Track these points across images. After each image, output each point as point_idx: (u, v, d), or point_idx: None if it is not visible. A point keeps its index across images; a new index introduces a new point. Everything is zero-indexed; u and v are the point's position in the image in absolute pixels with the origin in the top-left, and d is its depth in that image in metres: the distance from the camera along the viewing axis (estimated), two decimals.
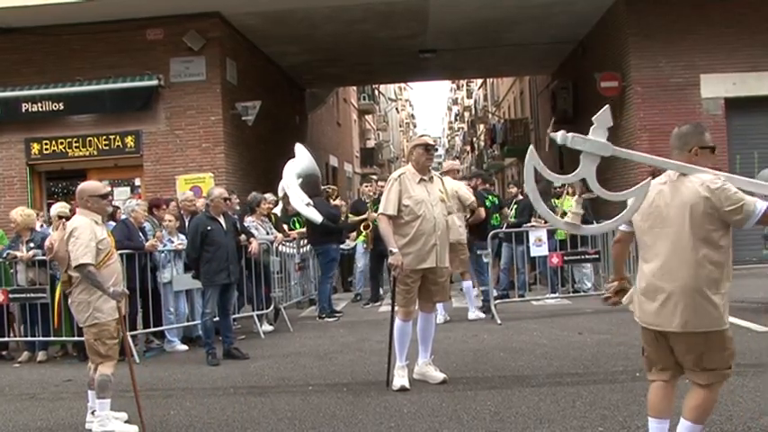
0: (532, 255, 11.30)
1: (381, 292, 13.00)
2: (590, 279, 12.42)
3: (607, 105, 4.31)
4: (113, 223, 9.43)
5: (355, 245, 13.63)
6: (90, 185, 6.16)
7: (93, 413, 5.87)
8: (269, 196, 11.57)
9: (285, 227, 12.30)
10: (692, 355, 4.03)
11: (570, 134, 4.09)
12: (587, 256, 11.47)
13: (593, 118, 4.16)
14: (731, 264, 4.03)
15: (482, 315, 10.45)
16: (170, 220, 9.76)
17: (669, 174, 4.13)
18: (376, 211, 11.64)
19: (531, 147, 4.17)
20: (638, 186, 4.03)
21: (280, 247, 11.25)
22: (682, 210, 3.97)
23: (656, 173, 10.64)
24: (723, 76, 14.38)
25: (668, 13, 14.37)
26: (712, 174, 3.99)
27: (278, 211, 12.76)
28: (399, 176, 6.79)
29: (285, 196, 12.23)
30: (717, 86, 14.38)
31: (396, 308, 6.83)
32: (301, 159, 12.41)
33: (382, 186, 12.77)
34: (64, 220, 7.87)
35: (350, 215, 13.40)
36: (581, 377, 6.79)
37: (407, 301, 6.75)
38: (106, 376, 5.72)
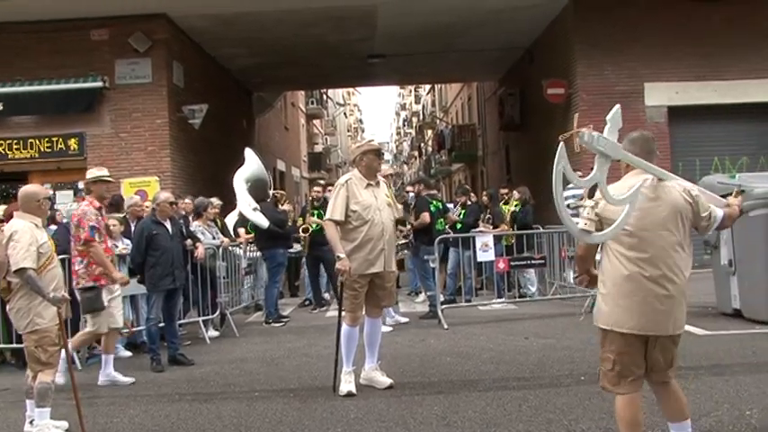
0: (479, 260, 11.40)
1: (328, 296, 12.98)
2: (533, 284, 12.55)
3: (618, 105, 4.28)
4: (54, 227, 9.22)
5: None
6: (30, 189, 6.04)
7: (31, 423, 5.73)
8: (215, 200, 11.44)
9: (242, 231, 12.20)
10: (670, 355, 4.16)
11: (596, 133, 4.04)
12: (533, 261, 11.59)
13: (607, 118, 4.15)
14: None
15: (402, 320, 10.44)
16: (114, 225, 9.58)
17: (645, 178, 4.13)
18: (317, 216, 11.66)
19: (562, 145, 3.94)
20: (631, 191, 3.97)
21: (235, 250, 11.16)
22: (674, 214, 4.08)
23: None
24: (666, 84, 14.67)
25: (614, 23, 14.62)
26: (684, 181, 4.22)
27: (234, 215, 12.64)
28: (346, 182, 6.77)
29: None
30: (660, 95, 14.67)
31: (343, 313, 6.81)
32: (250, 164, 12.34)
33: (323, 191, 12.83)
34: (2, 224, 7.67)
35: (298, 219, 13.33)
36: (527, 381, 6.85)
37: (355, 307, 6.74)
38: (47, 384, 5.58)
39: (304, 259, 13.58)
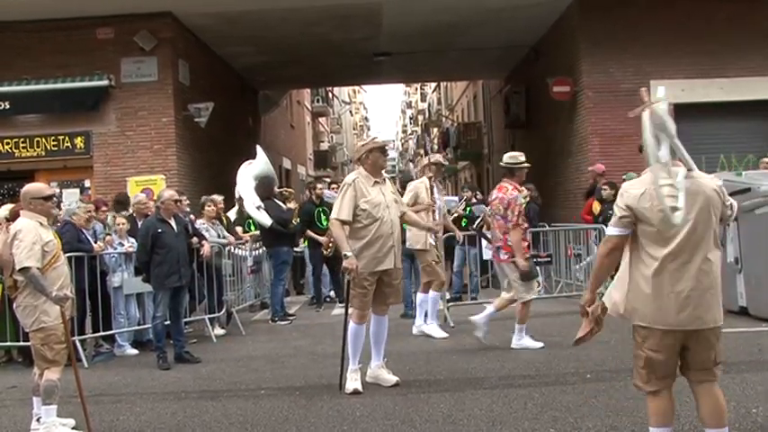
0: (485, 258, 11.38)
1: (333, 294, 13.03)
2: (539, 282, 12.54)
3: (662, 88, 4.33)
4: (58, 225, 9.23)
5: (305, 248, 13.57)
6: (33, 187, 6.03)
7: (38, 420, 5.74)
8: (216, 197, 11.39)
9: (240, 229, 12.21)
10: (712, 351, 4.08)
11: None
12: (539, 260, 11.57)
13: (659, 96, 4.22)
14: None
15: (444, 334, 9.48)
16: (122, 223, 9.61)
17: (685, 168, 4.09)
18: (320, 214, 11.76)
19: (647, 114, 3.99)
20: (680, 179, 3.94)
21: (237, 250, 11.16)
22: (708, 205, 4.03)
23: (596, 178, 10.71)
24: (672, 82, 14.59)
25: (620, 20, 14.58)
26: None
27: (233, 213, 12.65)
28: (353, 181, 6.75)
29: (241, 198, 12.14)
30: (666, 92, 14.59)
31: (350, 311, 6.81)
32: (259, 162, 12.33)
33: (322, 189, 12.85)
34: (8, 222, 7.69)
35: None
36: (533, 379, 6.85)
37: (364, 305, 6.74)
38: (53, 382, 5.60)
39: (308, 258, 13.61)
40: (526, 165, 8.41)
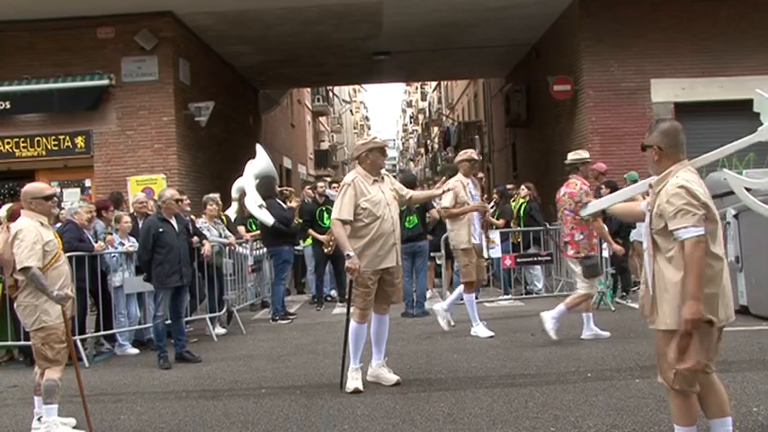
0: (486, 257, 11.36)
1: (335, 293, 13.02)
2: (540, 280, 12.56)
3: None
4: (59, 225, 9.22)
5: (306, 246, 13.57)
6: (33, 187, 6.01)
7: (39, 419, 5.74)
8: (214, 196, 11.38)
9: (242, 228, 12.21)
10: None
11: None
12: (540, 258, 11.59)
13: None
14: None
15: (490, 333, 9.16)
16: (126, 222, 9.60)
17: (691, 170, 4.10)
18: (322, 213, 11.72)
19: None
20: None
21: (239, 249, 11.16)
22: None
23: (598, 177, 10.82)
24: (673, 81, 14.63)
25: (620, 19, 14.60)
26: None
27: (232, 212, 12.65)
28: (353, 181, 6.73)
29: (242, 197, 12.13)
30: (667, 91, 14.64)
31: (351, 310, 6.81)
32: (260, 160, 12.32)
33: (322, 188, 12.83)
34: (8, 222, 7.68)
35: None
36: (533, 378, 6.85)
37: (366, 304, 6.73)
38: (53, 381, 5.59)
39: (308, 257, 13.59)
40: (589, 159, 8.91)
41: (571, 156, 8.82)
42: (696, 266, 3.83)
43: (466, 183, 9.14)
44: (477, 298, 11.51)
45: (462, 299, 9.26)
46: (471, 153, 9.60)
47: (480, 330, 9.13)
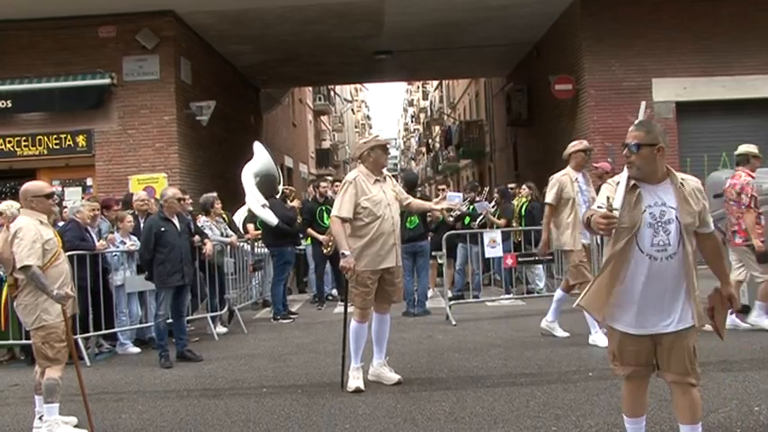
0: (487, 256, 11.37)
1: (336, 292, 13.00)
2: (542, 279, 12.56)
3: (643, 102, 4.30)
4: (62, 223, 9.23)
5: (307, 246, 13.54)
6: (33, 185, 6.00)
7: (40, 418, 5.74)
8: (214, 195, 11.37)
9: (251, 227, 12.18)
10: None
11: None
12: (541, 257, 11.56)
13: None
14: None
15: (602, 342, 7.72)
16: (129, 221, 9.60)
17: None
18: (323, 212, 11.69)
19: None
20: None
21: (244, 246, 11.15)
22: None
23: (602, 176, 10.51)
24: (674, 80, 14.64)
25: (621, 18, 14.60)
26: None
27: (244, 210, 12.61)
28: (354, 179, 6.72)
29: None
30: (668, 91, 14.64)
31: (351, 309, 6.80)
32: (259, 158, 12.28)
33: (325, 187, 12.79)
34: (7, 221, 7.68)
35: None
36: (535, 377, 6.84)
37: (366, 303, 6.72)
38: (54, 380, 5.59)
39: (309, 256, 13.58)
40: (758, 154, 8.82)
41: (741, 148, 8.85)
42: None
43: (574, 177, 8.25)
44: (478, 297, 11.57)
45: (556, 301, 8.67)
46: (584, 143, 8.73)
47: (599, 339, 7.88)
